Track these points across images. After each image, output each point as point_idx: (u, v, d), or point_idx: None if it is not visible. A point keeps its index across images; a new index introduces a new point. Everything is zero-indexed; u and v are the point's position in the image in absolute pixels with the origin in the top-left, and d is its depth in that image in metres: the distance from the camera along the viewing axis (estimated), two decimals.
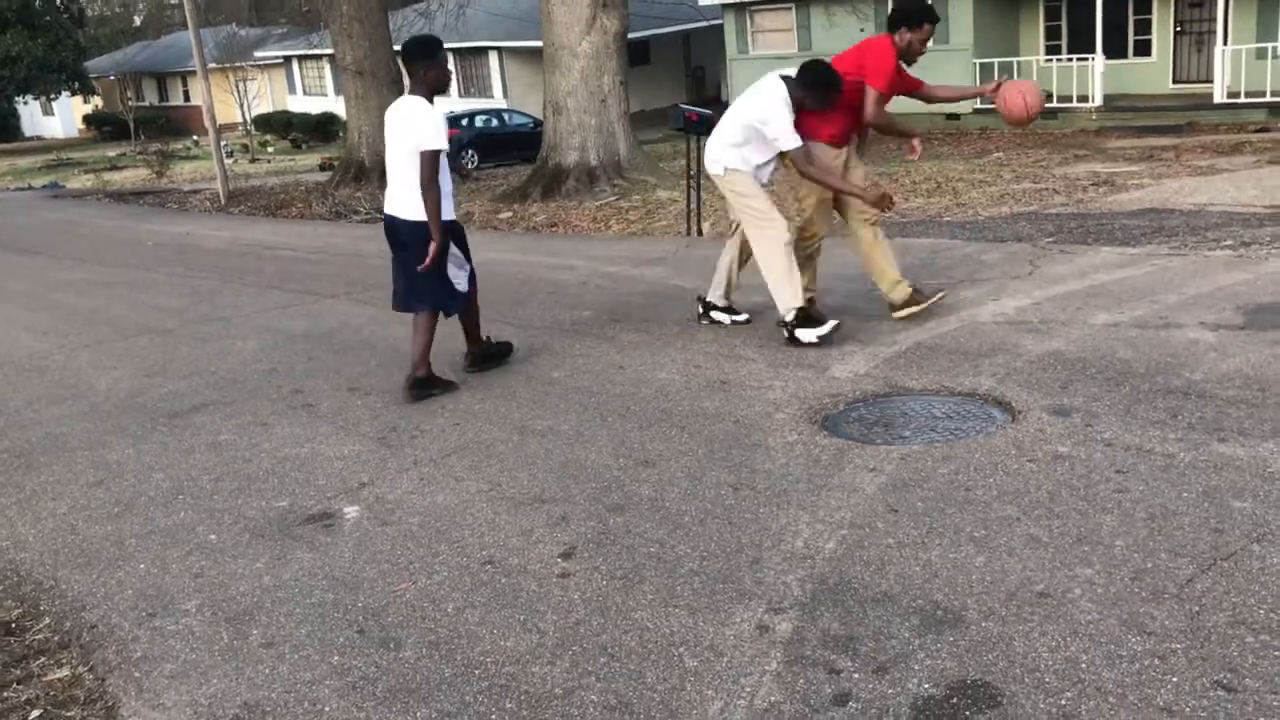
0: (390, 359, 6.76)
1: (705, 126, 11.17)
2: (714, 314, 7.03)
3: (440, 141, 5.46)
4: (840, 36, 22.38)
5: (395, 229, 5.78)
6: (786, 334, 6.26)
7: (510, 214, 14.25)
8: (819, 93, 6.08)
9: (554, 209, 14.08)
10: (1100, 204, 10.91)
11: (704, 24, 29.56)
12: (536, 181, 15.42)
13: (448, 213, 5.64)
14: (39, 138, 50.15)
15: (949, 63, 20.84)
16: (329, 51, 27.13)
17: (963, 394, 5.21)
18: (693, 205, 11.27)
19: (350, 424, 5.57)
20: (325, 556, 4.03)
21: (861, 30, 22.08)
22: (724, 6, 24.95)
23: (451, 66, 6.42)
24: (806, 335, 6.17)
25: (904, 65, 6.39)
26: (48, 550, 4.34)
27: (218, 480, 4.92)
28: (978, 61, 20.49)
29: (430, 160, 5.44)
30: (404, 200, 5.64)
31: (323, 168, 25.40)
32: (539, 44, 16.56)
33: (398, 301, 5.96)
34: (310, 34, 35.16)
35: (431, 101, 5.61)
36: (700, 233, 11.22)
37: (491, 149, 25.16)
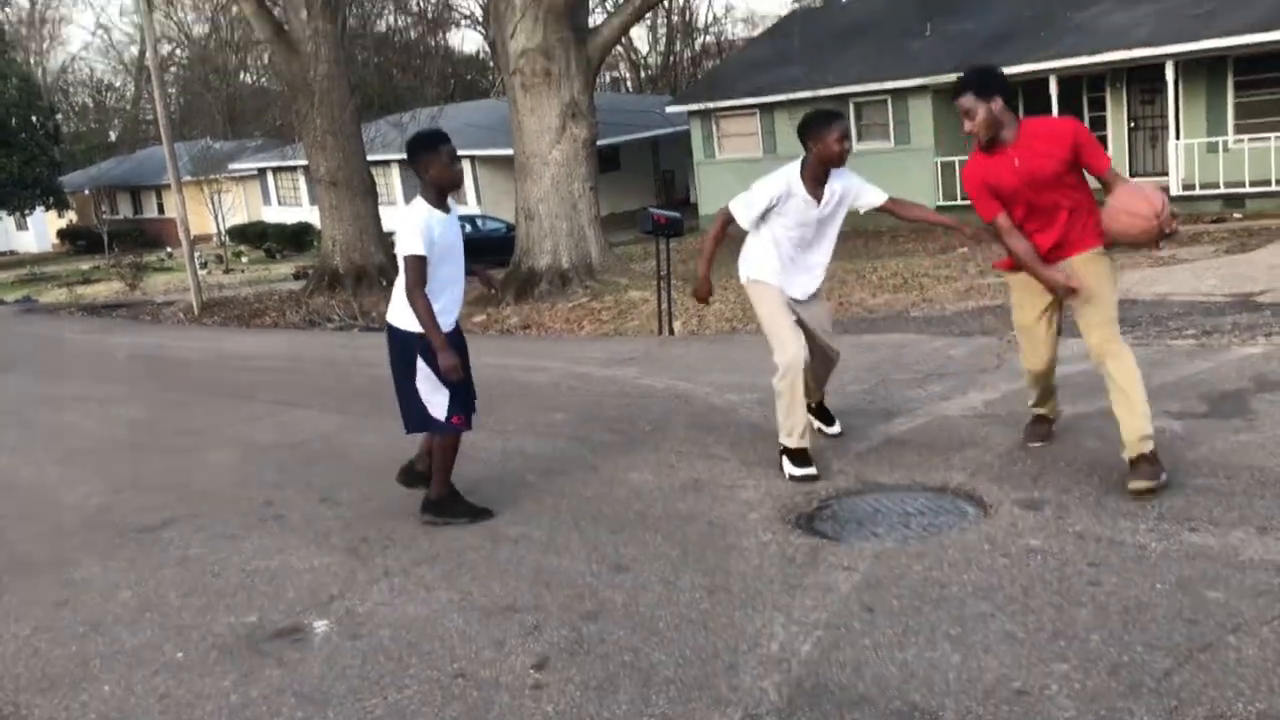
0: (362, 468, 6.73)
1: (674, 229, 11.39)
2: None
3: (409, 246, 5.01)
4: None
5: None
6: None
7: (484, 317, 14.34)
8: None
9: (527, 311, 14.18)
10: None
11: (671, 130, 30.18)
12: (510, 285, 15.56)
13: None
14: (12, 252, 50.19)
15: (911, 162, 21.35)
16: (303, 163, 27.48)
17: (934, 489, 5.22)
18: (664, 305, 11.38)
19: (321, 535, 5.51)
20: (294, 673, 3.95)
21: None
22: (690, 114, 25.52)
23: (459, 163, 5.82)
24: (790, 468, 5.58)
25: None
26: (8, 674, 4.23)
27: (186, 596, 4.84)
28: (939, 160, 20.96)
29: (408, 265, 5.04)
30: (390, 303, 5.31)
31: (297, 276, 25.52)
32: (511, 152, 16.85)
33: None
34: (285, 146, 35.63)
35: (443, 200, 5.24)
36: (672, 332, 11.31)
37: (466, 254, 25.36)
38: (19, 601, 5.02)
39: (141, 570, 5.25)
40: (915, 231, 20.44)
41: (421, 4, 32.58)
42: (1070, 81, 19.95)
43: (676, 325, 11.53)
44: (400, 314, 5.20)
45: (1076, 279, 4.91)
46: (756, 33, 40.55)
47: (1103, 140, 21.10)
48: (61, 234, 48.98)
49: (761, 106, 23.72)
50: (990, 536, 4.52)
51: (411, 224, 5.07)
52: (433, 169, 5.20)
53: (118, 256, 33.97)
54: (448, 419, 5.25)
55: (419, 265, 5.03)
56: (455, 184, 5.37)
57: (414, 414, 5.30)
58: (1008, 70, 19.95)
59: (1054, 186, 4.87)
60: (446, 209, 5.27)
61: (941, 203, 21.07)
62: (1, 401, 11.14)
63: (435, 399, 5.22)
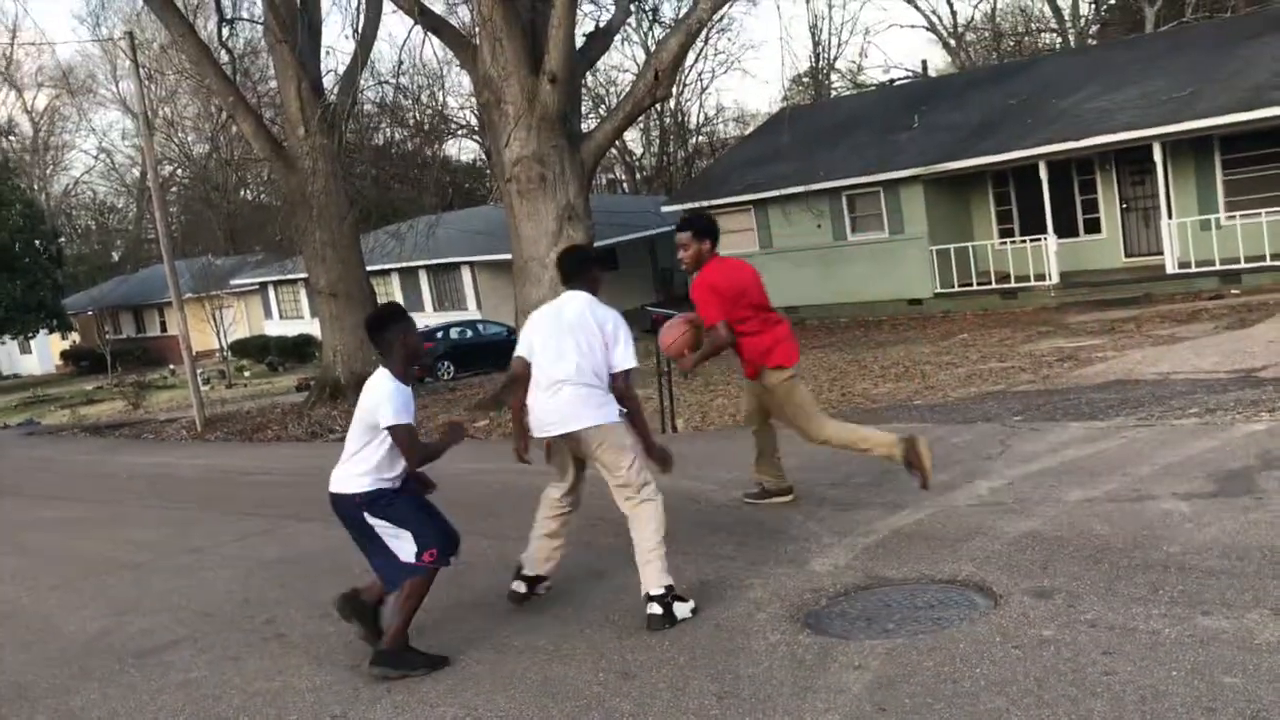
0: (362, 581, 6.64)
1: None
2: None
3: (400, 417, 4.84)
4: (797, 234, 23.18)
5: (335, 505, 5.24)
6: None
7: (486, 422, 14.32)
8: None
9: None
10: (1066, 379, 11.09)
11: (668, 229, 30.54)
12: (512, 390, 15.57)
13: (371, 482, 5.03)
14: (16, 376, 50.45)
15: (906, 251, 21.55)
16: (304, 276, 27.76)
17: (943, 581, 5.15)
18: (665, 402, 11.37)
19: (323, 653, 5.43)
20: None
21: (819, 226, 22.89)
22: (685, 213, 25.85)
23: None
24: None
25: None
26: None
27: None
28: (934, 249, 21.16)
29: (400, 434, 4.86)
30: (338, 475, 5.15)
31: (299, 388, 25.58)
32: (509, 256, 17.02)
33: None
34: (285, 260, 36.03)
35: (408, 373, 5.05)
36: (675, 429, 11.28)
37: (466, 359, 25.54)
38: None
39: (142, 696, 5.16)
40: (915, 319, 20.53)
41: (418, 117, 33.23)
42: (1060, 165, 20.22)
43: (679, 422, 11.51)
44: (340, 481, 5.11)
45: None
46: (748, 131, 41.34)
47: (1095, 223, 21.38)
48: (65, 355, 49.30)
49: (756, 203, 24.02)
50: (1002, 628, 4.45)
51: (397, 396, 4.88)
52: (408, 338, 5.06)
53: (120, 376, 34.16)
54: (418, 558, 4.96)
55: (411, 433, 4.90)
56: (420, 355, 5.33)
57: (390, 571, 5.05)
58: (996, 158, 20.28)
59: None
60: (407, 381, 5.06)
61: (939, 289, 21.20)
62: (1, 527, 11.07)
63: (398, 545, 5.00)
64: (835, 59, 44.87)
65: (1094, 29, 41.20)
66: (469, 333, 27.02)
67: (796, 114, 27.48)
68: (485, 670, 4.83)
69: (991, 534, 5.71)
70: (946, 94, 25.12)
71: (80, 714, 5.04)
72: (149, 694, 5.18)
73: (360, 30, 18.55)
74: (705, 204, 24.79)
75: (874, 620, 4.82)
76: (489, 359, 24.45)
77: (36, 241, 42.06)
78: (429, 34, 16.65)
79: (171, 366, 38.69)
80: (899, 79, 35.15)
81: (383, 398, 4.89)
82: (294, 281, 36.80)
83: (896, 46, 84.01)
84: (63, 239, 50.19)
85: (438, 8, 17.43)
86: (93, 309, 47.58)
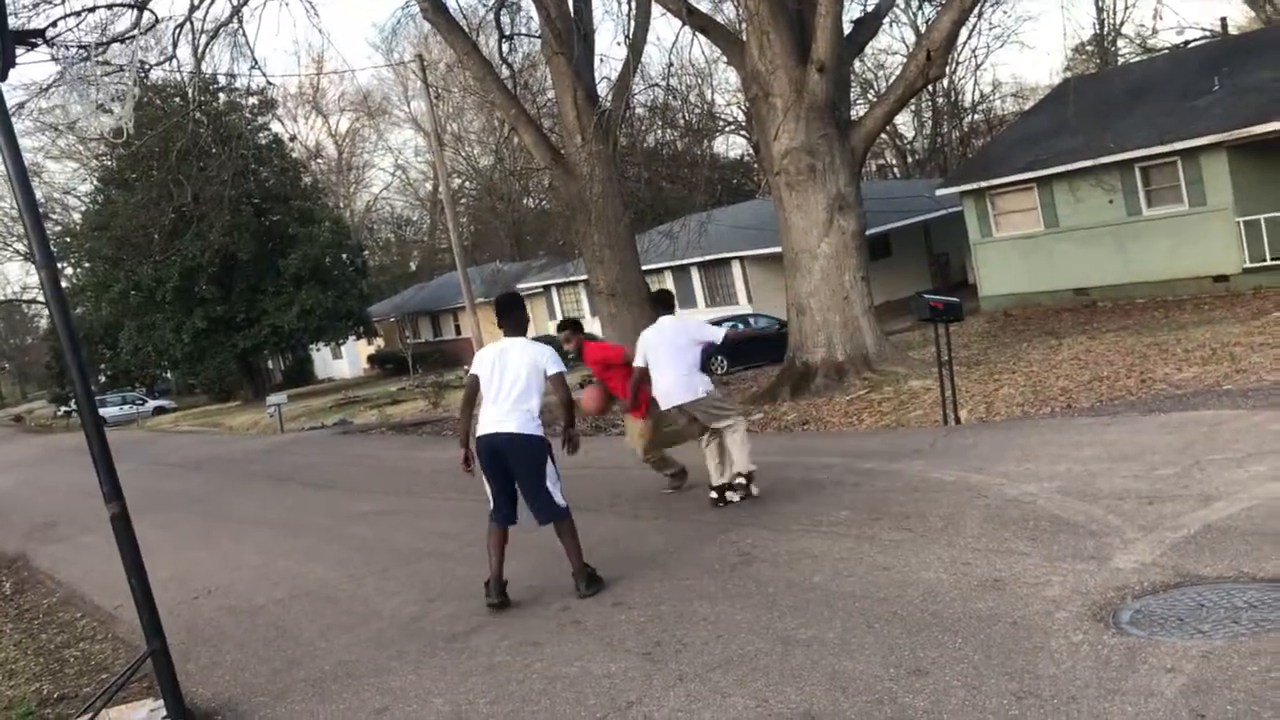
0: (650, 572, 6.83)
1: (952, 314, 11.09)
2: (729, 494, 8.44)
3: (562, 365, 6.76)
4: (1086, 211, 21.90)
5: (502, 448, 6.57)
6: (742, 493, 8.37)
7: (761, 415, 14.38)
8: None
9: (804, 407, 14.11)
10: None
11: (943, 212, 29.62)
12: (785, 381, 15.57)
13: (543, 431, 6.66)
14: (330, 379, 55.03)
15: (1209, 224, 19.95)
16: (584, 277, 28.81)
17: (1267, 580, 4.74)
18: (947, 393, 11.04)
19: (616, 640, 5.62)
20: None
21: (1110, 202, 21.54)
22: (963, 194, 24.97)
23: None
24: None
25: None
26: None
27: (493, 703, 5.03)
28: (1242, 220, 19.47)
29: (562, 382, 6.75)
30: (507, 420, 6.55)
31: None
32: (779, 250, 17.02)
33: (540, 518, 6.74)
34: (566, 263, 37.51)
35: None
36: (958, 420, 10.94)
37: (739, 353, 25.71)
38: (345, 709, 5.38)
39: (452, 678, 5.51)
40: (1221, 297, 18.99)
41: (687, 116, 33.75)
42: None
43: (963, 413, 11.15)
44: (518, 424, 6.51)
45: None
46: (1028, 106, 39.44)
47: None
48: (371, 359, 53.39)
49: (1039, 180, 22.90)
50: None
51: (556, 353, 6.78)
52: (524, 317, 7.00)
53: (421, 377, 36.56)
54: (566, 506, 6.60)
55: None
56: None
57: (550, 511, 6.58)
58: None
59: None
60: None
61: (1249, 264, 19.50)
62: (326, 520, 12.10)
63: (555, 490, 6.60)
64: (1121, 23, 41.89)
65: None
66: (740, 326, 27.20)
67: (1081, 84, 25.96)
68: (774, 662, 4.86)
69: None
70: (1252, 52, 23.00)
71: (399, 694, 5.45)
72: (458, 676, 5.53)
73: (631, 36, 19.02)
74: (984, 184, 23.92)
75: (1186, 621, 4.50)
76: (762, 352, 24.53)
77: (343, 255, 45.78)
78: (696, 34, 16.87)
79: (466, 367, 41.00)
80: (1194, 40, 32.51)
81: (546, 352, 6.57)
82: (575, 283, 38.25)
83: (1189, 5, 77.77)
84: (366, 252, 54.41)
85: (704, 6, 17.63)
86: (394, 315, 51.31)
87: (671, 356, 8.46)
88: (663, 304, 8.94)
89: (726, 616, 5.64)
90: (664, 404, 8.63)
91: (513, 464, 6.55)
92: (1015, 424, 10.45)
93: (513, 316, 6.92)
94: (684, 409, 8.57)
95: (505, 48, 21.39)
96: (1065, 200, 22.48)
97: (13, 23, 5.55)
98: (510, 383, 6.55)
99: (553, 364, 6.64)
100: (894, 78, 20.72)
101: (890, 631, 4.98)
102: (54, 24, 5.89)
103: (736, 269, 31.89)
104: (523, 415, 6.53)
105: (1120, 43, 42.80)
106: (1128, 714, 3.72)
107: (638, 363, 8.76)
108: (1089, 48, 42.60)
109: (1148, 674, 4.02)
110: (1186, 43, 32.00)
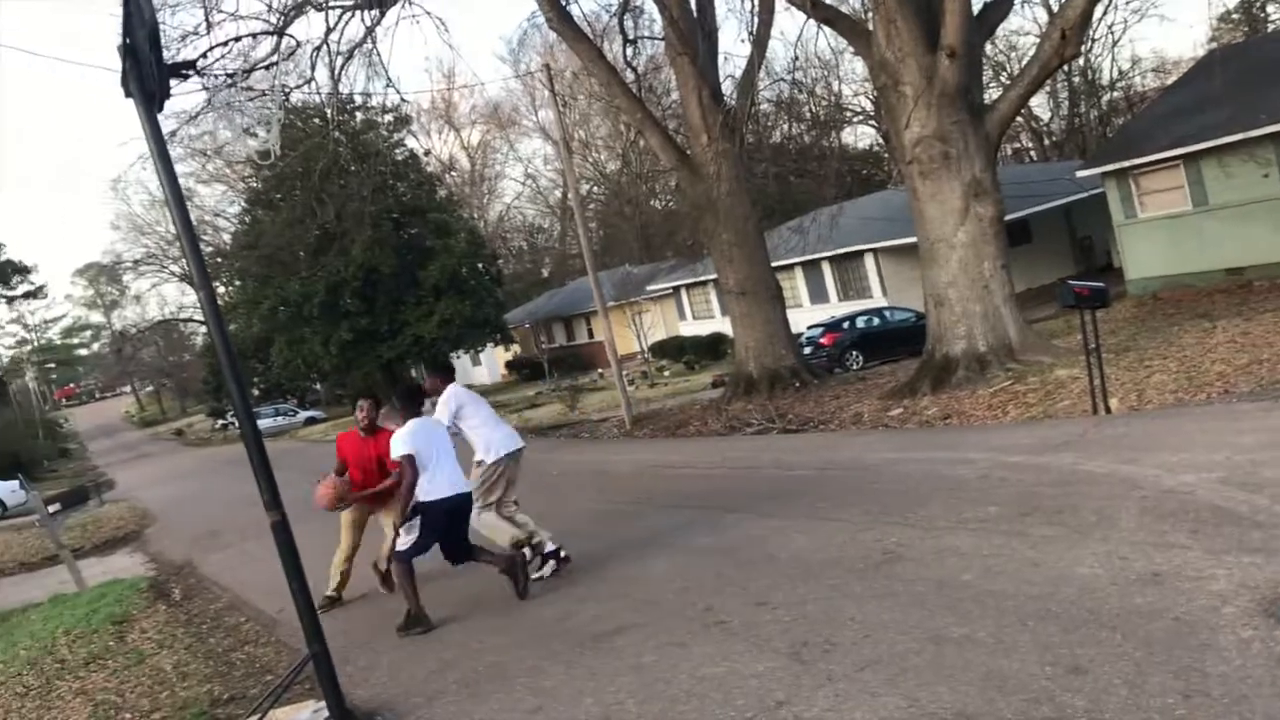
0: (794, 571, 6.79)
1: (1098, 299, 10.72)
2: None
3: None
4: (1238, 187, 20.90)
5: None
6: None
7: (901, 410, 14.13)
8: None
9: (945, 401, 13.81)
10: None
11: (1084, 195, 28.61)
12: (925, 375, 15.27)
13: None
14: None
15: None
16: (712, 277, 28.80)
17: None
18: (1096, 382, 10.68)
19: (762, 640, 5.60)
20: None
21: (1265, 176, 20.51)
22: (1104, 175, 24.09)
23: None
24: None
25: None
26: None
27: (643, 703, 5.07)
28: None
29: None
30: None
31: (714, 385, 26.53)
32: (913, 240, 16.71)
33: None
34: (694, 264, 37.55)
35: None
36: (1109, 410, 10.57)
37: (874, 347, 25.34)
38: (498, 709, 5.50)
39: (601, 678, 5.58)
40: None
41: (814, 109, 33.43)
42: None
43: (1113, 402, 10.76)
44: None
45: None
46: (1170, 81, 37.85)
47: None
48: (508, 365, 54.44)
49: (1185, 157, 21.92)
50: None
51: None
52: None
53: (556, 381, 37.08)
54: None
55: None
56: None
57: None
58: None
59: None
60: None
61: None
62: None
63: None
64: None
65: None
66: (875, 320, 26.77)
67: (1227, 55, 24.79)
68: (925, 662, 4.78)
69: None
70: None
71: (551, 693, 5.54)
72: (607, 676, 5.59)
73: (755, 32, 18.96)
74: (1126, 164, 23.06)
75: None
76: (898, 346, 24.12)
77: (479, 265, 46.81)
78: (821, 26, 16.70)
79: (600, 370, 41.50)
80: None
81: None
82: (704, 283, 38.25)
83: None
84: (500, 260, 55.47)
85: None
86: (528, 321, 52.20)
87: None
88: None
89: (874, 616, 5.57)
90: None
91: (461, 518, 7.78)
92: (1169, 412, 10.03)
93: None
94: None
95: (629, 52, 21.55)
96: (1214, 177, 21.47)
97: (165, 55, 5.85)
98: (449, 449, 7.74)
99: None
100: (1027, 59, 20.11)
101: (1045, 629, 4.84)
102: (203, 55, 6.18)
103: (869, 262, 31.41)
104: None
105: (1270, 9, 40.71)
106: None
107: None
108: (1235, 16, 40.64)
109: None
110: None
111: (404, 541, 7.48)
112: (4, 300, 79.92)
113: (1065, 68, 36.57)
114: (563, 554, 8.32)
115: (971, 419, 12.43)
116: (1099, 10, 37.72)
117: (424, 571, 7.97)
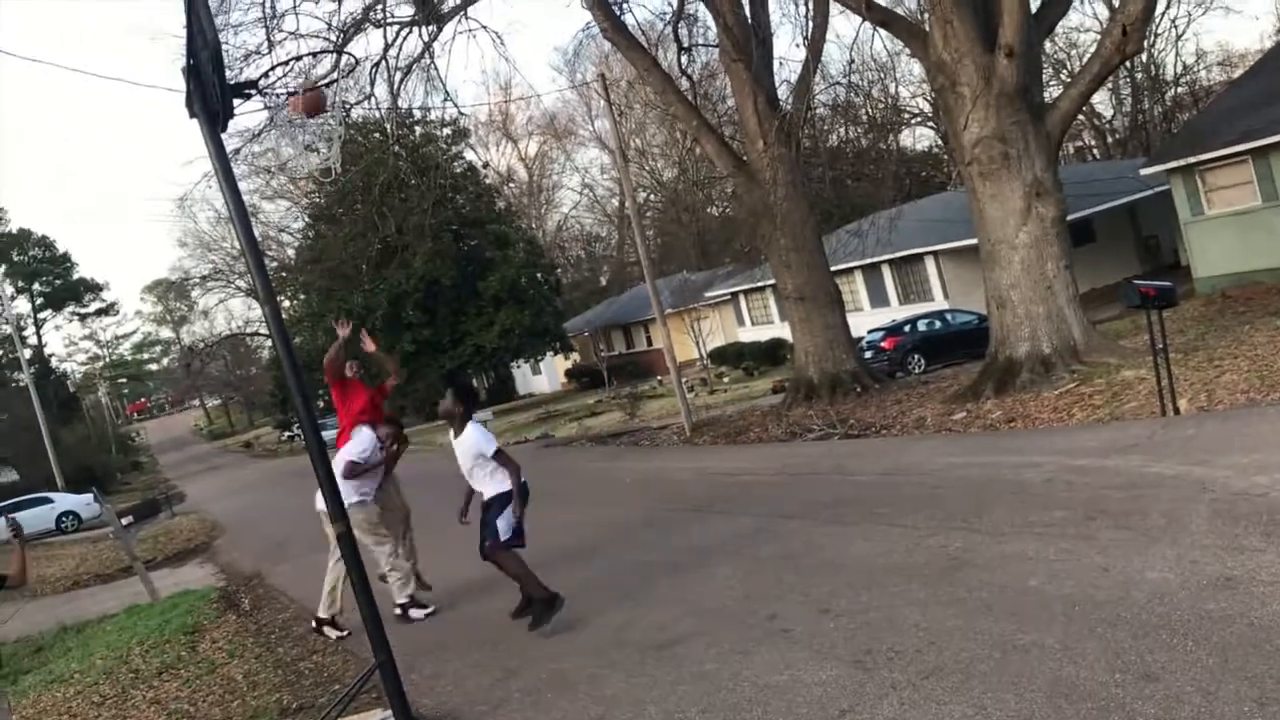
0: (857, 578, 6.74)
1: (1165, 299, 10.52)
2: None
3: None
4: None
5: None
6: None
7: (964, 414, 13.97)
8: None
9: (1009, 404, 13.62)
10: None
11: (1149, 192, 28.09)
12: (988, 378, 15.08)
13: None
14: (530, 395, 56.62)
15: None
16: (771, 282, 28.70)
17: None
18: (1164, 382, 10.47)
19: (825, 648, 5.57)
20: None
21: None
22: (1169, 172, 23.64)
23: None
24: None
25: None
26: None
27: (705, 712, 5.07)
28: None
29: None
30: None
31: (775, 391, 26.42)
32: (974, 242, 16.53)
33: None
34: (752, 269, 37.45)
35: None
36: (1177, 411, 10.36)
37: (936, 350, 25.06)
38: (562, 717, 5.53)
39: (663, 687, 5.58)
40: None
41: (871, 112, 33.20)
42: None
43: (1182, 403, 10.55)
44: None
45: None
46: (1237, 74, 37.06)
47: None
48: (568, 373, 54.67)
49: (1254, 152, 21.44)
50: None
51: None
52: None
53: (616, 389, 37.18)
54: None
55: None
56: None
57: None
58: None
59: None
60: None
61: None
62: (530, 528, 12.41)
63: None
64: None
65: None
66: (936, 324, 26.48)
67: None
68: (991, 669, 4.72)
69: None
70: None
71: (612, 701, 5.56)
72: (668, 685, 5.59)
73: (809, 37, 18.87)
74: (1192, 160, 22.62)
75: None
76: (960, 349, 23.83)
77: (538, 274, 47.17)
78: (877, 28, 16.60)
79: (659, 377, 41.54)
80: None
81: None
82: (762, 289, 38.15)
83: None
84: (559, 269, 55.84)
85: (883, 0, 17.31)
86: (588, 330, 52.43)
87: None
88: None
89: (938, 623, 5.51)
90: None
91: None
92: (1240, 412, 9.81)
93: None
94: None
95: (684, 60, 21.57)
96: None
97: (228, 76, 5.99)
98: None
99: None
100: (1088, 56, 19.79)
101: (1114, 635, 4.76)
102: (265, 74, 6.28)
103: (930, 264, 31.11)
104: None
105: None
106: None
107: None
108: None
109: None
110: None
111: (504, 529, 7.56)
112: (77, 317, 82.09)
113: (1128, 64, 35.96)
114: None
115: (1036, 422, 12.25)
116: (1162, 4, 37.12)
117: (486, 577, 8.03)
